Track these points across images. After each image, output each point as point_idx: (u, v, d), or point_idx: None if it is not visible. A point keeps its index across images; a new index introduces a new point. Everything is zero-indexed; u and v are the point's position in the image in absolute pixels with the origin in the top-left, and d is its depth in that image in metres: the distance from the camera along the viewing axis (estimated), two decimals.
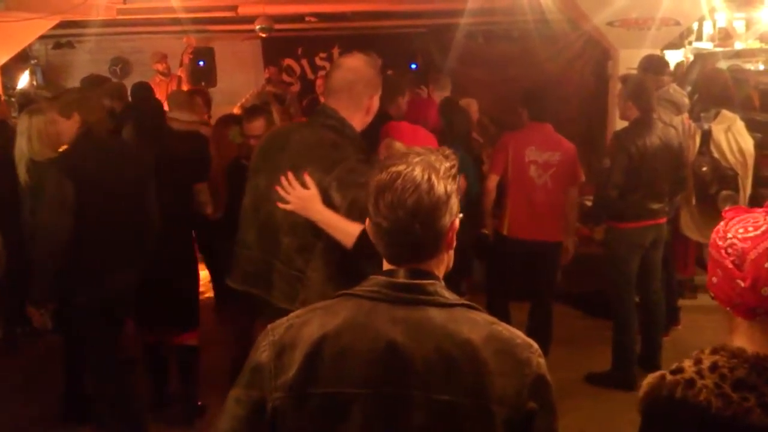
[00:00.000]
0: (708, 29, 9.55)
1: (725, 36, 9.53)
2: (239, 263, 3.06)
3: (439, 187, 1.55)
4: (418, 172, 1.55)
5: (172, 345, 4.51)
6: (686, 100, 5.71)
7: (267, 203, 2.89)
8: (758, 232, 1.53)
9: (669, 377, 1.55)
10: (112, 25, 9.53)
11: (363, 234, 2.73)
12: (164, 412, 4.50)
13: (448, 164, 1.61)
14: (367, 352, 1.51)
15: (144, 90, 5.61)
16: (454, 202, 1.59)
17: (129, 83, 7.53)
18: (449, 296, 1.58)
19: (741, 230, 1.55)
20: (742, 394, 1.46)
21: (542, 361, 1.56)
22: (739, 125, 6.07)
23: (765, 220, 1.54)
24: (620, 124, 5.09)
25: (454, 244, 1.66)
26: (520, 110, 5.03)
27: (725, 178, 5.87)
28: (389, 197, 1.55)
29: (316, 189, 2.74)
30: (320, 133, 2.88)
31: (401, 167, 1.57)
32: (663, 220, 4.91)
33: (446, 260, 1.67)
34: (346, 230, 2.71)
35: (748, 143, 6.06)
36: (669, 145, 4.86)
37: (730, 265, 1.54)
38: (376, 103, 2.94)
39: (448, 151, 1.65)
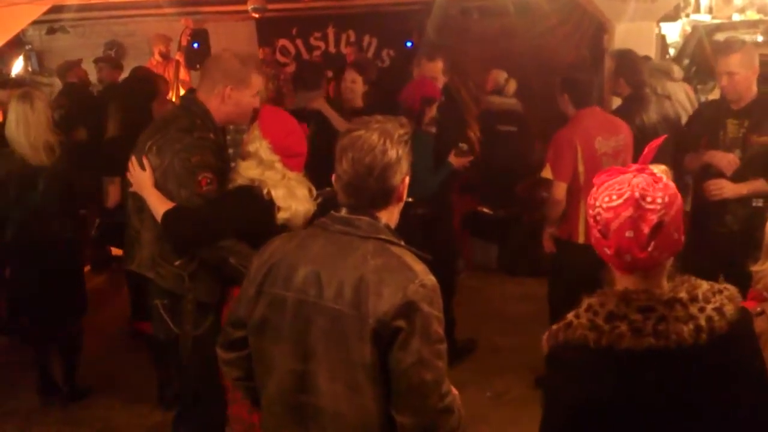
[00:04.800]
0: (705, 1, 9.50)
1: (722, 7, 9.47)
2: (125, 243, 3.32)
3: (392, 151, 1.93)
4: (375, 137, 1.93)
5: None
6: (676, 68, 5.78)
7: None
8: (620, 200, 1.59)
9: (553, 327, 1.70)
10: (105, 8, 9.48)
11: (166, 216, 2.94)
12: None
13: (401, 131, 1.97)
14: (301, 266, 1.98)
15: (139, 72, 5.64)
16: (405, 164, 1.97)
17: (125, 66, 7.53)
18: (371, 230, 1.95)
19: (606, 199, 1.62)
20: (613, 324, 1.59)
21: (422, 290, 1.85)
22: None
23: (629, 185, 1.60)
24: (616, 99, 5.06)
25: (405, 198, 2.04)
26: (560, 98, 4.37)
27: None
28: (351, 155, 1.93)
29: (150, 170, 2.99)
30: (172, 112, 3.25)
31: (361, 131, 1.94)
32: None
33: (397, 211, 2.06)
34: (158, 212, 2.96)
35: None
36: (666, 117, 4.84)
37: (598, 234, 1.64)
38: (234, 95, 3.09)
39: (404, 120, 2.02)
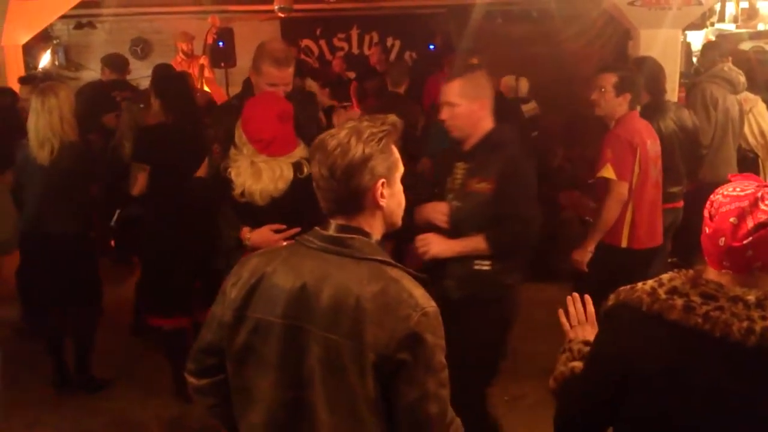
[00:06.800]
0: (731, 9, 9.43)
1: (748, 16, 9.40)
2: None
3: (356, 149, 1.76)
4: (342, 135, 1.79)
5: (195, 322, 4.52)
6: (742, 78, 5.64)
7: None
8: (741, 193, 1.63)
9: (620, 288, 1.77)
10: (133, 5, 9.58)
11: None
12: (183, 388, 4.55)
13: (375, 129, 1.79)
14: (288, 289, 1.80)
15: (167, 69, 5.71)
16: (378, 164, 1.79)
17: (150, 64, 7.61)
18: (365, 250, 1.80)
19: (730, 189, 1.66)
20: (670, 296, 1.66)
21: (425, 320, 1.72)
22: (761, 107, 6.02)
23: (758, 187, 1.63)
24: None
25: (383, 203, 1.83)
26: (615, 98, 4.08)
27: (745, 160, 5.83)
28: (317, 157, 1.81)
29: None
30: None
31: (332, 131, 1.83)
32: (680, 204, 4.84)
33: (380, 217, 1.87)
34: None
35: None
36: (683, 127, 4.83)
37: (707, 215, 1.68)
38: (253, 78, 3.54)
39: (392, 119, 1.84)
